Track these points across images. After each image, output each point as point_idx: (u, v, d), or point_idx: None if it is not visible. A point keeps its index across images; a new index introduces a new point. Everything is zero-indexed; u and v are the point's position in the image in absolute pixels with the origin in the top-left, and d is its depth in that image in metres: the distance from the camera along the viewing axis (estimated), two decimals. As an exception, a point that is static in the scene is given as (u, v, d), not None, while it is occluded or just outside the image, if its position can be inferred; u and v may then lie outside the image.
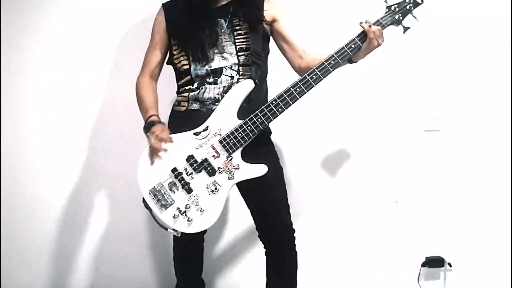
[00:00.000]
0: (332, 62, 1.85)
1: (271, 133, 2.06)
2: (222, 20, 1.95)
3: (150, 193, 1.84)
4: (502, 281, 2.55)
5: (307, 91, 1.85)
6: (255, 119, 1.84)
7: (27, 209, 2.54)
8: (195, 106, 1.95)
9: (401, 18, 1.90)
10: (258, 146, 1.90)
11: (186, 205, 1.83)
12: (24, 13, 2.45)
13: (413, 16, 1.90)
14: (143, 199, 1.85)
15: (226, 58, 1.94)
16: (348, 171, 2.55)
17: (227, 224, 2.58)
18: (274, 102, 1.84)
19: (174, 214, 1.82)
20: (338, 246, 2.59)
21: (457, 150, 2.51)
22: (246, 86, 1.89)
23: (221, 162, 1.85)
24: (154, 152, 1.85)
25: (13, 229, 2.55)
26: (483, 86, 2.48)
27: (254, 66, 1.94)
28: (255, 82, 1.89)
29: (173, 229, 1.83)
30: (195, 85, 1.96)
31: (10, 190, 2.53)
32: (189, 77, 1.97)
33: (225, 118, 1.87)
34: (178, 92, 2.03)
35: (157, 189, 1.84)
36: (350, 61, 1.92)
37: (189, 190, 1.84)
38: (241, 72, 1.94)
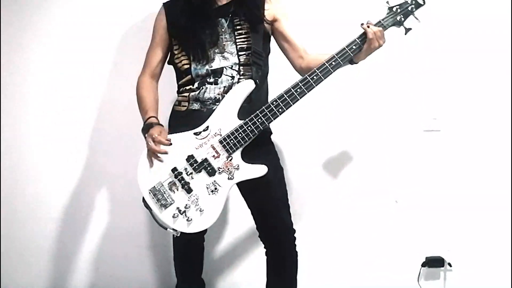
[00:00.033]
0: (333, 63, 1.85)
1: (271, 133, 2.06)
2: (223, 20, 1.95)
3: (150, 193, 1.84)
4: (502, 281, 2.55)
5: (308, 91, 1.85)
6: (255, 120, 1.84)
7: (27, 209, 2.54)
8: (196, 106, 1.95)
9: (402, 19, 1.89)
10: (259, 146, 1.90)
11: (186, 205, 1.83)
12: (24, 13, 2.45)
13: (415, 18, 1.90)
14: (143, 198, 1.86)
15: (227, 58, 1.94)
16: (348, 171, 2.55)
17: (228, 224, 2.58)
18: (274, 102, 1.84)
19: (174, 214, 1.82)
20: (338, 246, 2.59)
21: (457, 150, 2.52)
22: (247, 86, 1.89)
23: (221, 162, 1.85)
24: (153, 155, 1.85)
25: (13, 229, 2.55)
26: (483, 86, 2.48)
27: (255, 66, 1.94)
28: (255, 82, 1.89)
29: (173, 229, 1.83)
30: (196, 85, 1.96)
31: (10, 190, 2.53)
32: (189, 76, 1.97)
33: (225, 118, 1.87)
34: (178, 92, 2.03)
35: (157, 188, 1.84)
36: (351, 62, 1.92)
37: (189, 190, 1.84)
38: (241, 72, 1.94)
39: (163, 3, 2.03)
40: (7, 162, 2.52)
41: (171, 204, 1.83)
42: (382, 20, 1.89)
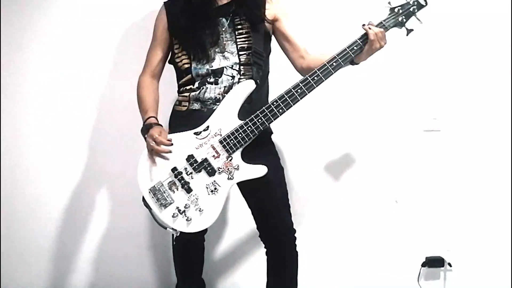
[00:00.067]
0: (334, 63, 1.85)
1: (272, 133, 2.06)
2: (224, 19, 1.94)
3: (149, 192, 1.85)
4: (502, 281, 2.55)
5: (308, 92, 1.85)
6: (255, 120, 1.84)
7: (27, 209, 2.54)
8: (196, 106, 1.95)
9: (404, 20, 1.89)
10: (259, 147, 1.90)
11: (186, 204, 1.83)
12: (24, 13, 2.45)
13: (417, 19, 1.89)
14: (143, 198, 1.86)
15: (227, 57, 1.94)
16: (348, 171, 2.55)
17: (228, 224, 2.58)
18: (275, 103, 1.84)
19: (173, 214, 1.83)
20: (338, 246, 2.59)
21: (457, 150, 2.51)
22: (247, 86, 1.89)
23: (221, 162, 1.85)
24: (155, 154, 1.85)
25: (13, 229, 2.55)
26: (483, 86, 2.48)
27: (255, 66, 1.93)
28: (256, 83, 1.89)
29: (172, 228, 1.83)
30: (196, 84, 1.96)
31: (10, 190, 2.53)
32: (189, 76, 1.97)
33: (225, 118, 1.87)
34: (179, 92, 2.03)
35: (156, 188, 1.84)
36: (352, 62, 1.91)
37: (188, 190, 1.84)
38: (242, 72, 1.94)
39: (164, 2, 2.03)
40: (7, 162, 2.52)
41: (171, 203, 1.84)
42: (384, 21, 1.88)
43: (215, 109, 1.90)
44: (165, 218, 1.83)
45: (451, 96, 2.49)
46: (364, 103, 2.50)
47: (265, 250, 2.10)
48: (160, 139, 1.82)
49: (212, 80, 1.94)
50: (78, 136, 2.51)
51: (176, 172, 1.85)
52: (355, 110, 2.51)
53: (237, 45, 1.94)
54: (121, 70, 2.46)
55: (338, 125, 2.51)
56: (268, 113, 1.84)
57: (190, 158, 1.85)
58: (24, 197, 2.54)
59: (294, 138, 2.48)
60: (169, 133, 1.89)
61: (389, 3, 1.89)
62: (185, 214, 1.82)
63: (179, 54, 1.99)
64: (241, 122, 1.85)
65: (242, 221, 2.50)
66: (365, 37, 1.85)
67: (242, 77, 1.93)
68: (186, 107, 1.97)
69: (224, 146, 1.85)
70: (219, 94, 1.93)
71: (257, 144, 1.88)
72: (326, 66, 1.84)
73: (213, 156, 1.85)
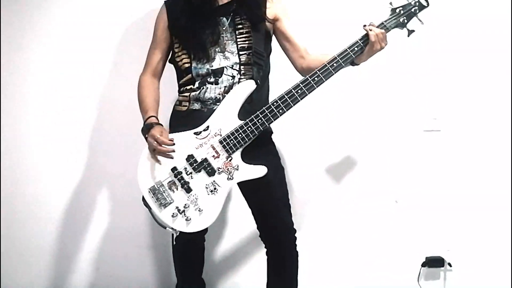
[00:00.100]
0: (335, 64, 1.84)
1: (272, 133, 2.06)
2: (224, 19, 1.94)
3: (149, 192, 1.85)
4: (502, 281, 2.55)
5: (309, 93, 1.85)
6: (255, 120, 1.84)
7: (27, 209, 2.54)
8: (196, 106, 1.95)
9: (405, 21, 1.88)
10: (259, 147, 1.90)
11: (185, 204, 1.83)
12: (24, 13, 2.45)
13: (418, 19, 1.89)
14: (143, 197, 1.86)
15: (228, 57, 1.94)
16: (348, 171, 2.55)
17: (228, 224, 2.58)
18: (275, 103, 1.84)
19: (173, 213, 1.83)
20: (338, 246, 2.59)
21: (457, 150, 2.51)
22: (248, 86, 1.89)
23: (221, 162, 1.85)
24: (158, 154, 1.85)
25: (13, 229, 2.55)
26: (483, 86, 2.48)
27: (256, 66, 1.93)
28: (256, 83, 1.89)
29: (172, 228, 1.84)
30: (196, 84, 1.96)
31: (10, 190, 2.53)
32: (189, 75, 1.97)
33: (226, 118, 1.87)
34: (179, 92, 2.03)
35: (156, 187, 1.85)
36: (353, 63, 1.91)
37: (188, 190, 1.84)
38: (242, 72, 1.94)
39: (164, 2, 2.03)
40: (7, 162, 2.52)
41: (171, 203, 1.84)
42: (385, 22, 1.88)
43: (215, 109, 1.89)
44: (165, 218, 1.83)
45: (451, 96, 2.49)
46: (364, 103, 2.50)
47: (265, 250, 2.10)
48: (162, 139, 1.81)
49: (212, 80, 1.94)
50: (78, 136, 2.51)
51: (176, 172, 1.85)
52: (355, 110, 2.51)
53: (237, 45, 1.94)
54: (121, 70, 2.46)
55: (338, 125, 2.51)
56: (268, 113, 1.84)
57: (190, 158, 1.85)
58: (24, 197, 2.54)
59: (294, 138, 2.48)
60: (169, 133, 1.89)
61: (390, 3, 1.88)
62: (184, 214, 1.83)
63: (179, 54, 1.99)
64: (241, 122, 1.85)
65: (242, 221, 2.49)
66: (366, 38, 1.85)
67: (242, 77, 1.93)
68: (186, 107, 1.97)
69: (224, 146, 1.85)
70: (219, 94, 1.93)
71: (257, 144, 1.88)
72: (326, 67, 1.84)
73: (213, 156, 1.85)
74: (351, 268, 2.59)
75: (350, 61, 1.87)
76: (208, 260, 2.43)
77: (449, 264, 2.57)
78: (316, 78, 1.84)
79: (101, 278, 2.60)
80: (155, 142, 1.82)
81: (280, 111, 1.84)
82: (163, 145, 1.81)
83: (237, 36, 1.94)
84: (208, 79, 1.94)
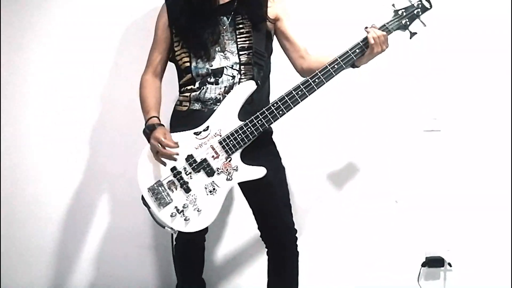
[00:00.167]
0: (336, 66, 1.84)
1: (272, 133, 2.05)
2: (225, 18, 1.94)
3: (149, 191, 1.85)
4: (502, 281, 2.54)
5: (309, 94, 1.84)
6: (255, 121, 1.84)
7: (27, 209, 2.54)
8: (197, 106, 1.95)
9: (408, 23, 1.87)
10: (259, 147, 1.90)
11: (184, 204, 1.84)
12: (24, 13, 2.45)
13: (421, 22, 1.88)
14: (142, 196, 1.86)
15: (228, 57, 1.93)
16: (348, 171, 2.55)
17: (229, 224, 2.58)
18: (275, 104, 1.84)
19: (172, 213, 1.83)
20: (339, 246, 2.59)
21: (457, 150, 2.51)
22: (248, 87, 1.88)
23: (220, 163, 1.85)
24: (162, 156, 1.84)
25: (13, 229, 2.55)
26: (483, 86, 2.48)
27: (256, 66, 1.93)
28: (257, 83, 1.89)
29: (170, 228, 1.84)
30: (197, 84, 1.95)
31: (10, 190, 2.53)
32: (189, 75, 1.97)
33: (225, 118, 1.87)
34: (180, 92, 2.03)
35: (156, 187, 1.85)
36: (353, 65, 1.90)
37: (187, 190, 1.84)
38: (242, 72, 1.93)
39: (165, 1, 2.03)
40: (7, 162, 2.52)
41: (169, 203, 1.84)
42: (387, 23, 1.87)
43: (216, 109, 1.89)
44: (164, 217, 1.84)
45: (451, 96, 2.49)
46: (365, 103, 2.50)
47: (266, 250, 2.10)
48: (166, 142, 1.81)
49: (212, 80, 1.94)
50: (78, 136, 2.52)
51: (175, 171, 1.85)
52: (356, 110, 2.51)
53: (237, 45, 1.93)
54: (121, 70, 2.47)
55: (338, 125, 2.51)
56: (268, 114, 1.84)
57: (189, 158, 1.85)
58: (24, 197, 2.54)
59: (295, 138, 2.48)
60: (170, 133, 1.89)
61: (393, 5, 1.87)
62: (183, 214, 1.83)
63: (179, 53, 1.99)
64: (241, 123, 1.85)
65: (243, 221, 2.49)
66: (367, 40, 1.84)
67: (242, 77, 1.93)
68: (186, 107, 1.96)
69: (223, 147, 1.85)
70: (219, 94, 1.92)
71: (257, 145, 1.88)
72: (327, 68, 1.84)
73: (213, 156, 1.85)
74: (351, 268, 2.59)
75: (351, 63, 1.86)
76: (209, 260, 2.43)
77: (449, 264, 2.57)
78: (316, 80, 1.84)
79: (101, 278, 2.61)
80: (159, 145, 1.81)
81: (280, 112, 1.84)
82: (167, 148, 1.81)
83: (237, 36, 1.94)
84: (208, 79, 1.94)
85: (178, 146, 1.82)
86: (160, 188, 1.85)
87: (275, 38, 2.06)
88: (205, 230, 2.11)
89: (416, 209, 2.55)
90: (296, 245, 2.06)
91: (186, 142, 1.86)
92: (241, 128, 1.84)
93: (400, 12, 1.87)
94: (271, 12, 1.98)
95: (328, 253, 2.59)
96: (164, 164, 1.85)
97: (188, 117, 1.94)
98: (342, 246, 2.59)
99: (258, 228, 2.07)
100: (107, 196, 2.57)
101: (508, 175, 2.51)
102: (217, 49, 1.93)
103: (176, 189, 1.85)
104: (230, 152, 1.85)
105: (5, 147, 2.51)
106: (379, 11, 1.92)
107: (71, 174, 2.54)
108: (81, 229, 2.58)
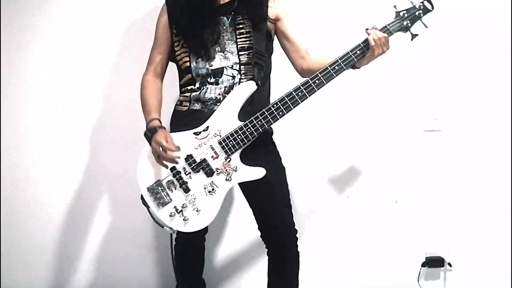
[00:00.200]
0: (336, 67, 1.83)
1: (273, 133, 2.05)
2: (225, 18, 1.94)
3: (148, 190, 1.85)
4: (502, 281, 2.54)
5: (309, 95, 1.84)
6: (255, 122, 1.83)
7: (27, 209, 2.54)
8: (197, 106, 1.95)
9: (409, 24, 1.86)
10: (260, 147, 1.90)
11: (183, 204, 1.84)
12: (24, 13, 2.45)
13: (422, 23, 1.87)
14: (141, 196, 1.87)
15: (227, 57, 1.93)
16: (348, 171, 2.55)
17: (229, 224, 2.58)
18: (275, 105, 1.84)
19: (171, 213, 1.83)
20: (339, 246, 2.59)
21: (457, 150, 2.51)
22: (248, 87, 1.88)
23: (220, 163, 1.85)
24: (164, 160, 1.84)
25: (13, 229, 2.55)
26: (483, 86, 2.48)
27: (257, 66, 1.92)
28: (257, 84, 1.88)
29: (169, 227, 1.84)
30: (197, 85, 1.95)
31: (10, 190, 2.53)
32: (190, 75, 1.97)
33: (225, 119, 1.87)
34: (180, 92, 2.03)
35: (155, 186, 1.85)
36: (353, 67, 1.90)
37: (186, 190, 1.85)
38: (242, 72, 1.93)
39: (165, 1, 2.03)
40: (7, 162, 2.52)
41: (169, 202, 1.84)
42: (388, 25, 1.86)
43: (216, 109, 1.89)
44: (162, 217, 1.84)
45: (451, 96, 2.49)
46: (365, 103, 2.50)
47: (266, 250, 2.10)
48: (168, 146, 1.81)
49: (212, 80, 1.93)
50: (78, 136, 2.52)
51: (174, 171, 1.85)
52: (356, 110, 2.50)
53: (237, 45, 1.93)
54: (121, 70, 2.47)
55: (338, 125, 2.51)
56: (268, 115, 1.84)
57: (189, 158, 1.85)
58: (24, 197, 2.54)
59: (295, 138, 2.48)
60: (169, 133, 1.89)
61: (394, 6, 1.86)
62: (182, 214, 1.83)
63: (179, 53, 1.99)
64: (241, 123, 1.85)
65: (243, 221, 2.49)
66: (368, 42, 1.83)
67: (242, 77, 1.93)
68: (187, 107, 1.96)
69: (223, 147, 1.85)
70: (219, 94, 1.92)
71: (257, 145, 1.88)
72: (328, 70, 1.83)
73: (212, 156, 1.85)
74: (352, 268, 2.59)
75: (351, 64, 1.86)
76: (209, 260, 2.43)
77: (449, 264, 2.57)
78: (317, 81, 1.83)
79: (101, 278, 2.61)
80: (161, 149, 1.81)
81: (280, 113, 1.84)
82: (168, 152, 1.81)
83: (237, 36, 1.93)
84: (208, 79, 1.94)
85: (179, 150, 1.83)
86: (159, 188, 1.85)
87: (275, 38, 2.06)
88: (205, 230, 2.11)
89: (416, 209, 2.54)
90: (297, 245, 2.05)
91: (186, 142, 1.86)
92: (240, 128, 1.84)
93: (401, 14, 1.86)
94: (272, 12, 1.98)
95: (328, 253, 2.59)
96: (166, 166, 1.85)
97: (188, 117, 1.94)
98: (342, 246, 2.58)
99: (258, 228, 2.07)
100: (107, 196, 2.57)
101: (508, 175, 2.51)
102: (217, 49, 1.93)
103: (175, 189, 1.85)
104: (229, 153, 1.85)
105: (5, 147, 2.51)
106: (381, 12, 1.92)
107: (71, 174, 2.54)
108: (81, 229, 2.58)
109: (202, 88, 1.94)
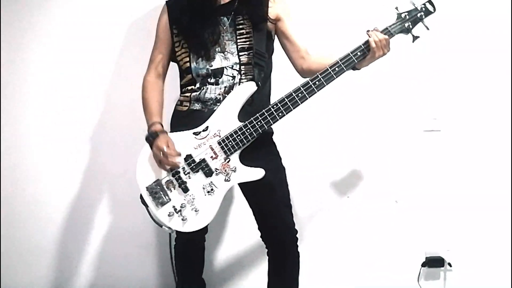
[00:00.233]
0: (337, 68, 1.83)
1: (273, 133, 2.05)
2: (225, 18, 1.94)
3: (147, 190, 1.85)
4: (502, 281, 2.54)
5: (309, 97, 1.84)
6: (254, 122, 1.84)
7: (27, 209, 2.54)
8: (197, 106, 1.95)
9: (411, 26, 1.86)
10: (260, 147, 1.90)
11: (182, 204, 1.84)
12: (24, 13, 2.45)
13: (424, 25, 1.87)
14: (141, 195, 1.87)
15: (228, 57, 1.93)
16: (348, 171, 2.54)
17: (229, 224, 2.58)
18: (275, 106, 1.84)
19: (169, 212, 1.84)
20: (339, 246, 2.59)
21: (457, 150, 2.51)
22: (248, 88, 1.88)
23: (219, 163, 1.85)
24: (165, 164, 1.84)
25: (13, 229, 2.55)
26: (483, 86, 2.48)
27: (257, 67, 1.92)
28: (257, 84, 1.88)
29: (168, 227, 1.84)
30: (197, 85, 1.95)
31: (10, 190, 2.53)
32: (190, 75, 1.97)
33: (225, 119, 1.87)
34: (181, 92, 2.03)
35: (154, 186, 1.86)
36: (354, 68, 1.89)
37: (185, 190, 1.85)
38: (243, 72, 1.93)
39: (166, 1, 2.03)
40: (7, 162, 2.52)
41: (167, 202, 1.85)
42: (389, 27, 1.85)
43: (216, 109, 1.89)
44: (161, 217, 1.85)
45: (451, 96, 2.49)
46: (365, 103, 2.50)
47: (266, 250, 2.10)
48: (169, 152, 1.81)
49: (212, 80, 1.94)
50: (78, 136, 2.52)
51: (174, 171, 1.85)
52: (356, 110, 2.50)
53: (237, 45, 1.93)
54: (121, 70, 2.47)
55: (338, 125, 2.51)
56: (267, 116, 1.84)
57: (188, 158, 1.85)
58: (24, 197, 2.54)
59: (295, 139, 2.48)
60: (169, 132, 1.89)
61: (396, 8, 1.86)
62: (181, 214, 1.83)
63: (180, 53, 1.99)
64: (240, 124, 1.85)
65: (243, 221, 2.49)
66: (368, 44, 1.83)
67: (243, 77, 1.93)
68: (187, 107, 1.97)
69: (222, 148, 1.85)
70: (219, 94, 1.92)
71: (258, 145, 1.88)
72: (328, 71, 1.83)
73: (211, 157, 1.85)
74: (352, 268, 2.59)
75: (351, 66, 1.86)
76: (209, 260, 2.43)
77: (449, 264, 2.57)
78: (317, 82, 1.83)
79: (102, 278, 2.61)
80: (162, 155, 1.81)
81: (280, 114, 1.84)
82: (170, 158, 1.81)
83: (237, 37, 1.94)
84: (209, 80, 1.94)
85: (180, 155, 1.83)
86: (158, 188, 1.85)
87: (276, 38, 2.06)
88: (205, 230, 2.11)
89: (416, 209, 2.54)
90: (297, 246, 2.05)
91: (185, 142, 1.86)
92: (240, 129, 1.84)
93: (403, 15, 1.86)
94: (272, 13, 1.98)
95: (328, 253, 2.59)
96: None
97: (188, 117, 1.94)
98: (342, 246, 2.58)
99: (258, 228, 2.07)
100: (107, 196, 2.57)
101: (508, 175, 2.51)
102: (217, 49, 1.93)
103: (174, 189, 1.85)
104: (228, 153, 1.85)
105: (5, 147, 2.51)
106: (382, 13, 1.91)
107: (71, 174, 2.54)
108: (81, 229, 2.58)
109: (202, 88, 1.94)
